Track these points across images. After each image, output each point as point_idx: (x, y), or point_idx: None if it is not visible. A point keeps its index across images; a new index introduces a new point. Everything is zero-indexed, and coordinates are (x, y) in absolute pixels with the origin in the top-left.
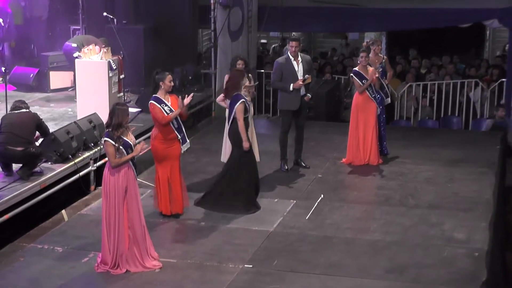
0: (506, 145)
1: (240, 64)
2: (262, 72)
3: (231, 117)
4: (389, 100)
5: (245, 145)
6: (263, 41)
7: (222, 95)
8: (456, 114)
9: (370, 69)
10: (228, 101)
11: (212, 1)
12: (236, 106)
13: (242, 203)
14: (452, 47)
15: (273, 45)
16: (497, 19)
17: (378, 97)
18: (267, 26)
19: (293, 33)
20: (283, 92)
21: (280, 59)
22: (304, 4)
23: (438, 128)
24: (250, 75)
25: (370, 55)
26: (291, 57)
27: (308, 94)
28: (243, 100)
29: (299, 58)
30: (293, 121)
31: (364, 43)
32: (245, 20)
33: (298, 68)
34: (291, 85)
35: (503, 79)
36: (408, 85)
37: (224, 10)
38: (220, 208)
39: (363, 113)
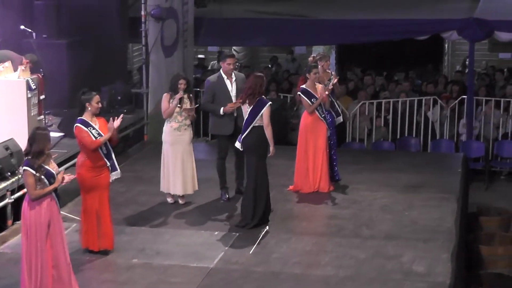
0: (467, 168)
1: (182, 84)
2: (199, 90)
3: (253, 124)
4: (340, 118)
5: (273, 150)
6: (200, 56)
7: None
8: (414, 135)
9: (319, 86)
10: (247, 107)
11: (143, 13)
12: (263, 111)
13: (251, 213)
14: (408, 62)
15: (212, 62)
16: (456, 31)
17: (328, 118)
18: (205, 39)
19: (234, 47)
20: (214, 115)
21: (212, 78)
22: (245, 16)
23: (394, 150)
24: (191, 95)
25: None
26: (223, 75)
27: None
28: (270, 103)
29: (233, 77)
30: (231, 146)
31: (311, 58)
32: (180, 33)
33: (232, 87)
34: (221, 109)
35: (464, 96)
36: (360, 103)
37: (156, 23)
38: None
39: (312, 134)
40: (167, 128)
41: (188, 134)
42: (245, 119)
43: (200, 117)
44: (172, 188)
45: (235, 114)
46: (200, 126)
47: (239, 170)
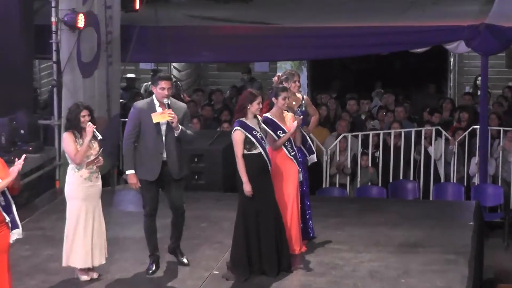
0: (482, 221)
1: (86, 116)
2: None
3: None
4: (314, 157)
5: (246, 187)
6: (130, 75)
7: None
8: (411, 178)
9: (287, 115)
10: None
11: (53, 20)
12: (232, 135)
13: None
14: (403, 82)
15: (145, 84)
16: (464, 41)
17: (299, 157)
18: (136, 54)
19: (173, 64)
20: (133, 152)
21: (140, 103)
22: (188, 23)
23: (385, 198)
24: (97, 133)
25: None
26: (156, 102)
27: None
28: (237, 127)
29: (168, 104)
30: (166, 196)
31: (275, 78)
32: (103, 46)
33: (164, 119)
34: (130, 172)
35: (476, 126)
36: (341, 137)
37: (71, 33)
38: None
39: (278, 179)
40: (74, 178)
41: (100, 183)
42: None
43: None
44: (90, 259)
45: (164, 154)
46: None
47: (175, 229)
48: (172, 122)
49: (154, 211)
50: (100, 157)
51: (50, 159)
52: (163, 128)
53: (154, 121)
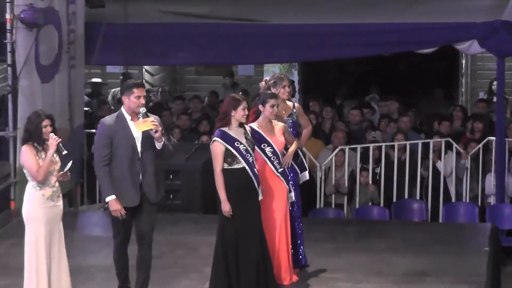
0: (499, 246)
1: (48, 127)
2: (93, 132)
3: None
4: (306, 174)
5: (223, 207)
6: (96, 80)
7: None
8: (417, 197)
9: (278, 125)
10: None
11: (8, 17)
12: (210, 147)
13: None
14: (408, 87)
15: (113, 90)
16: (477, 40)
17: (289, 173)
18: (102, 56)
19: (145, 66)
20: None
21: (108, 120)
22: (162, 20)
23: (388, 220)
24: (60, 144)
25: None
26: (126, 115)
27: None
28: (215, 138)
29: (140, 117)
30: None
31: (262, 83)
32: (65, 47)
33: (138, 133)
34: (111, 198)
35: (491, 138)
36: (337, 150)
37: (28, 32)
38: None
39: (264, 199)
40: (35, 197)
41: (61, 203)
42: None
43: (93, 173)
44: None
45: (141, 175)
46: (95, 187)
47: (140, 269)
48: (156, 132)
49: (127, 238)
50: (68, 172)
51: (4, 176)
52: (138, 143)
53: (139, 130)
